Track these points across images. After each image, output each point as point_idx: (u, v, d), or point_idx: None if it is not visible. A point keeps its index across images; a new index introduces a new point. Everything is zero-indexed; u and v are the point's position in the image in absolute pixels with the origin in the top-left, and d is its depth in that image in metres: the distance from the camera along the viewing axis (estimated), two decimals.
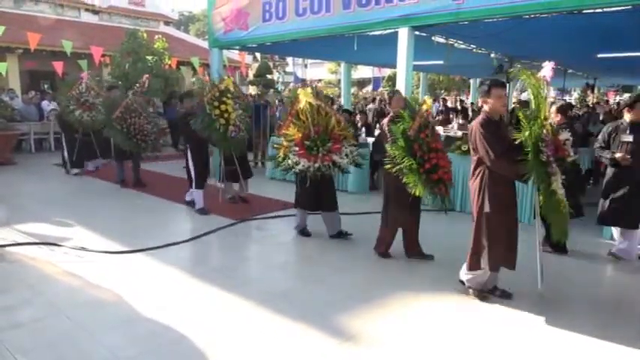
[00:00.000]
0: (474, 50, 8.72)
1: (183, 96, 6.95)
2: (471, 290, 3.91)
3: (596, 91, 18.88)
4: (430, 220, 6.07)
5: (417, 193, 4.13)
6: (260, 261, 5.05)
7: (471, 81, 17.34)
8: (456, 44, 7.97)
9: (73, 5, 18.46)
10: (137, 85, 8.24)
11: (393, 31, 6.58)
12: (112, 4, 19.40)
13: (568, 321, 3.52)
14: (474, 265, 3.76)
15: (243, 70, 20.47)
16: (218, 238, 5.57)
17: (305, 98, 4.97)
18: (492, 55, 9.54)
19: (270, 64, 28.90)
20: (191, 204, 6.68)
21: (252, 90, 20.66)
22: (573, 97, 25.95)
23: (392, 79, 26.17)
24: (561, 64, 12.14)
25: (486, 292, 3.88)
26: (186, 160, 6.56)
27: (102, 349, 3.07)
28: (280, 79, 32.27)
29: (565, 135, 3.80)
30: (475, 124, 3.67)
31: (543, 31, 6.77)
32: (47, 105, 12.47)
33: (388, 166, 4.23)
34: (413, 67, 6.65)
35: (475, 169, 3.71)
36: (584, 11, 5.29)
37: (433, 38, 7.23)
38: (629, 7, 4.99)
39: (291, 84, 27.80)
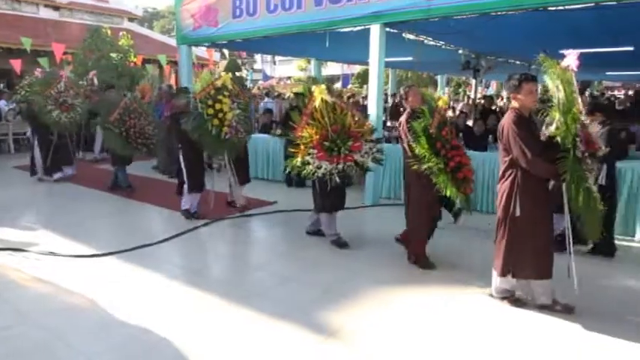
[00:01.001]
0: (443, 47, 8.86)
1: (176, 93, 6.45)
2: (505, 300, 3.70)
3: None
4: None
5: (449, 194, 3.98)
6: (236, 260, 5.00)
7: (438, 77, 17.62)
8: (425, 41, 8.08)
9: (31, 0, 17.73)
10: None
11: (364, 27, 6.62)
12: (73, 0, 18.74)
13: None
14: (504, 271, 3.54)
15: (211, 67, 20.20)
16: (192, 238, 5.47)
17: (320, 95, 4.58)
18: (460, 52, 9.73)
19: (239, 61, 28.61)
20: (195, 214, 6.11)
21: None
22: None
23: (361, 76, 26.39)
24: (526, 59, 12.49)
25: (518, 298, 3.68)
26: (178, 163, 6.15)
27: (79, 356, 2.97)
28: (249, 77, 31.93)
29: (595, 128, 3.53)
30: (507, 123, 3.38)
31: (510, 28, 6.94)
32: (4, 105, 11.93)
33: (415, 166, 4.06)
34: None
35: (506, 170, 3.47)
36: (549, 8, 5.46)
37: (404, 35, 7.30)
38: (592, 4, 5.19)
39: (260, 81, 27.59)
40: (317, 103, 4.60)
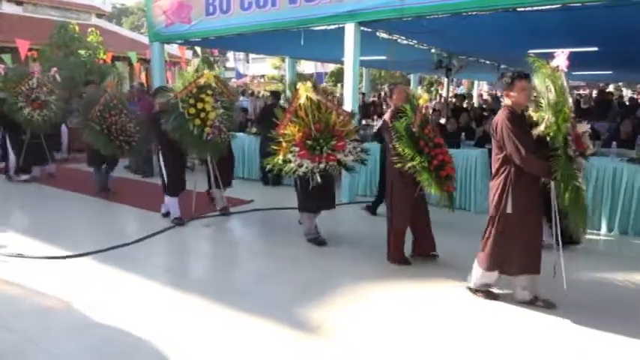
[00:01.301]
0: (416, 46, 8.99)
1: (156, 91, 6.06)
2: (479, 293, 3.75)
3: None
4: (383, 211, 6.24)
5: (433, 192, 4.02)
6: (214, 259, 4.97)
7: (411, 76, 17.86)
8: (399, 40, 8.18)
9: None
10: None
11: (339, 26, 6.65)
12: None
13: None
14: (491, 266, 3.56)
15: (183, 65, 19.88)
16: (167, 238, 5.39)
17: (305, 93, 4.51)
18: (433, 51, 9.88)
19: (211, 59, 28.27)
20: (168, 215, 5.95)
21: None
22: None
23: (335, 75, 26.45)
24: (495, 59, 12.81)
25: (492, 292, 3.73)
26: (159, 165, 5.89)
27: (52, 359, 2.90)
28: (221, 75, 31.58)
29: (584, 127, 3.53)
30: (500, 120, 3.38)
31: (480, 28, 7.09)
32: None
33: (399, 165, 4.08)
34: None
35: (500, 167, 3.46)
36: (518, 9, 5.60)
37: (377, 34, 7.37)
38: (559, 5, 5.36)
39: (233, 80, 27.34)
40: (302, 100, 4.53)
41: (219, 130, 5.45)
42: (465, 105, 13.37)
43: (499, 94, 20.76)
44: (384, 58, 10.05)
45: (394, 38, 8.00)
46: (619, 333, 3.22)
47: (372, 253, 4.76)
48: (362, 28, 6.63)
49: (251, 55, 33.20)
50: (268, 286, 4.06)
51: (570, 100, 3.26)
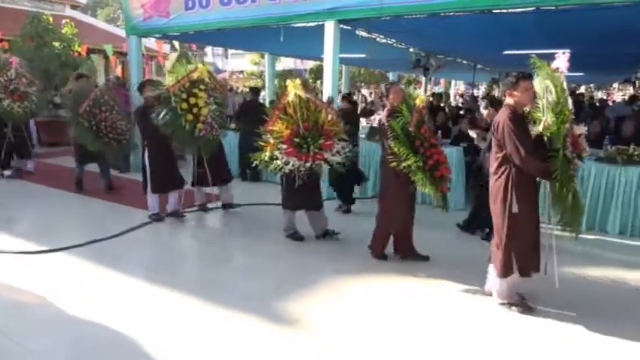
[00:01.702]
0: (395, 45, 9.10)
1: (144, 84, 5.82)
2: (514, 307, 3.59)
3: (501, 85, 20.44)
4: (358, 207, 6.33)
5: (427, 192, 4.06)
6: (190, 254, 4.97)
7: (390, 74, 18.02)
8: (378, 38, 8.27)
9: None
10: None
11: (319, 23, 6.69)
12: None
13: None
14: (508, 271, 3.49)
15: (160, 59, 19.61)
16: (144, 233, 5.36)
17: (294, 90, 4.50)
18: (411, 50, 10.02)
19: (189, 54, 27.94)
20: (175, 214, 5.76)
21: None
22: (480, 91, 27.88)
23: (315, 71, 26.44)
24: (471, 59, 13.05)
25: (527, 303, 3.61)
26: (143, 161, 5.74)
27: (28, 354, 2.88)
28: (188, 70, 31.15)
29: (581, 129, 3.55)
30: (502, 119, 3.37)
31: (458, 29, 7.23)
32: None
33: (394, 164, 4.10)
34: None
35: (499, 166, 3.45)
36: (494, 11, 5.75)
37: (357, 32, 7.44)
38: (533, 8, 5.52)
39: None
40: (290, 97, 4.52)
41: (211, 126, 5.32)
42: (442, 104, 13.57)
43: (476, 93, 21.13)
44: (363, 56, 10.16)
45: (373, 37, 8.09)
46: (601, 330, 3.30)
47: (350, 249, 4.84)
48: (341, 26, 6.69)
49: (230, 51, 32.88)
50: (247, 280, 4.10)
51: (570, 101, 3.30)
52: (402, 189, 4.27)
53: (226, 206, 6.25)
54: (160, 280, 4.01)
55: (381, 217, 4.51)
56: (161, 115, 5.13)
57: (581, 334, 3.28)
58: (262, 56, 21.77)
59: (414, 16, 6.17)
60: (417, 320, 3.45)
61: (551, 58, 3.43)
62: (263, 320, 3.37)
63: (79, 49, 14.07)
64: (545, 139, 3.33)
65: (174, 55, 23.89)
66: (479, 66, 14.37)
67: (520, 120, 3.39)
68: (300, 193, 4.79)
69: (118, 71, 16.51)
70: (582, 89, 28.24)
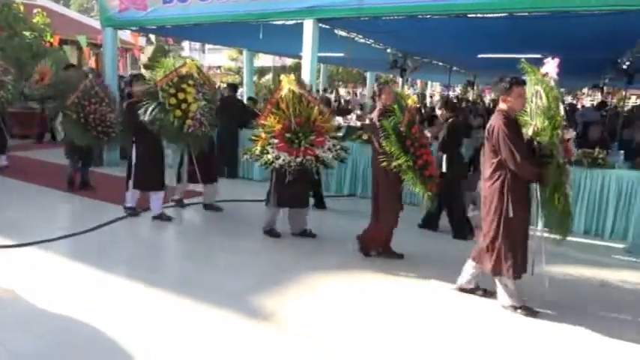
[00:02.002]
0: (373, 45, 9.19)
1: (134, 78, 5.67)
2: (519, 310, 3.60)
3: (475, 87, 20.86)
4: (333, 205, 6.41)
5: (417, 191, 4.11)
6: (166, 250, 4.96)
7: (367, 74, 18.17)
8: (356, 38, 8.35)
9: None
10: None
11: (298, 21, 6.72)
12: None
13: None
14: (500, 270, 3.54)
15: (136, 52, 19.28)
16: (119, 228, 5.31)
17: (288, 85, 4.50)
18: (389, 51, 10.14)
19: (165, 47, 27.53)
20: (162, 217, 5.57)
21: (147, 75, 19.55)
22: (456, 93, 28.36)
23: (293, 69, 26.39)
24: (447, 62, 13.29)
25: (528, 307, 3.63)
26: (129, 156, 5.55)
27: (1, 349, 2.83)
28: (176, 64, 30.76)
29: (570, 134, 3.59)
30: (497, 125, 3.39)
31: (435, 31, 7.38)
32: None
33: (384, 162, 4.15)
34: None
35: (494, 171, 3.47)
36: (469, 15, 5.89)
37: (336, 31, 7.50)
38: (506, 14, 5.68)
39: None
40: (283, 92, 4.51)
41: (200, 122, 5.18)
42: (418, 105, 13.77)
43: (452, 95, 21.47)
44: (341, 55, 10.23)
45: (352, 36, 8.16)
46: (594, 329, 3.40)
47: (326, 247, 4.91)
48: (320, 24, 6.74)
49: (207, 46, 32.56)
50: (222, 275, 4.11)
51: (562, 106, 3.38)
52: (393, 187, 4.34)
53: (208, 207, 6.14)
54: (134, 276, 3.98)
55: (377, 215, 4.51)
56: (148, 111, 4.97)
57: (568, 332, 3.42)
58: (240, 52, 21.62)
59: (392, 17, 6.26)
60: (400, 317, 3.53)
61: (534, 62, 3.56)
62: (237, 315, 3.39)
63: (51, 40, 13.72)
64: (535, 143, 3.41)
65: (150, 49, 23.58)
66: (454, 68, 14.64)
67: (514, 125, 3.43)
68: (289, 190, 4.77)
69: (92, 63, 16.15)
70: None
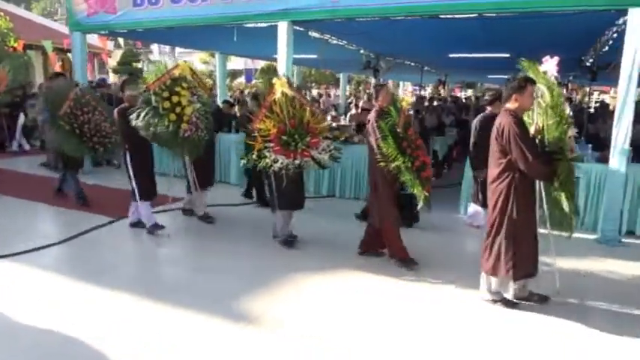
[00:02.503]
0: (346, 46, 9.27)
1: (125, 82, 5.36)
2: (499, 303, 3.68)
3: (446, 86, 21.23)
4: (313, 206, 6.43)
5: (416, 193, 4.11)
6: (148, 257, 4.88)
7: (340, 75, 18.27)
8: (330, 40, 8.41)
9: None
10: None
11: (272, 24, 6.73)
12: None
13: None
14: (499, 270, 3.54)
15: (104, 57, 18.87)
16: (98, 237, 5.20)
17: (281, 88, 4.46)
18: (362, 52, 10.24)
19: (134, 51, 27.02)
20: (139, 225, 5.38)
21: (116, 79, 19.20)
22: (427, 92, 28.82)
23: (265, 71, 26.28)
24: (419, 62, 13.50)
25: (516, 300, 3.69)
26: (126, 166, 5.26)
27: None
28: (145, 69, 30.27)
29: (572, 132, 3.56)
30: (507, 124, 3.34)
31: (407, 32, 7.50)
32: None
33: (382, 163, 4.15)
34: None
35: (503, 172, 3.44)
36: (440, 16, 6.02)
37: (309, 33, 7.54)
38: (476, 15, 5.84)
39: None
40: (277, 95, 4.48)
41: (196, 126, 4.97)
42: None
43: (424, 93, 21.81)
44: (314, 56, 10.28)
45: (325, 38, 8.22)
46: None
47: (309, 246, 4.93)
48: (295, 27, 6.76)
49: (177, 49, 32.10)
50: (207, 280, 4.09)
51: (567, 105, 3.45)
52: (390, 189, 4.36)
53: (203, 218, 5.85)
54: (113, 284, 3.91)
55: (380, 217, 4.44)
56: (141, 116, 4.77)
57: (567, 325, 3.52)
58: (212, 55, 21.42)
59: (366, 19, 6.34)
60: (385, 314, 3.58)
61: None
62: (223, 318, 3.38)
63: (15, 45, 13.31)
64: (537, 142, 3.46)
65: (118, 53, 23.09)
66: (426, 68, 14.88)
67: (523, 124, 3.42)
68: (291, 193, 4.75)
69: (57, 68, 15.73)
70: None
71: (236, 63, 27.43)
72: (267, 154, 4.48)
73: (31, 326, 3.20)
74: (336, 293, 3.90)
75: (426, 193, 4.13)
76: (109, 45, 19.27)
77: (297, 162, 4.48)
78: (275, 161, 4.46)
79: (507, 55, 9.98)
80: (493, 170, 3.52)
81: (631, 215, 5.48)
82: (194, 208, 5.93)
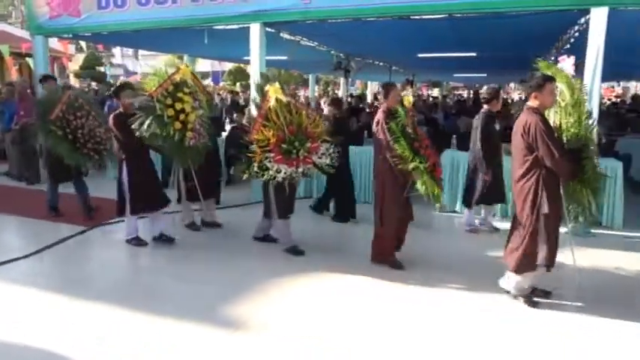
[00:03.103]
0: (317, 47, 9.29)
1: (120, 88, 5.06)
2: (521, 298, 3.72)
3: (414, 85, 21.58)
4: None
5: (434, 193, 4.06)
6: (127, 266, 4.75)
7: (310, 76, 18.30)
8: (301, 41, 8.40)
9: None
10: None
11: (243, 26, 6.67)
12: None
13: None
14: (526, 267, 3.57)
15: (65, 61, 18.26)
16: (70, 248, 5.02)
17: (275, 95, 4.32)
18: (333, 53, 10.28)
19: (96, 54, 26.30)
20: (138, 240, 5.03)
21: (77, 84, 18.62)
22: None
23: (233, 73, 26.11)
24: (388, 62, 13.66)
25: (534, 297, 3.72)
26: (119, 177, 4.92)
27: None
28: (108, 72, 29.52)
29: (597, 129, 3.68)
30: (533, 122, 3.36)
31: (378, 33, 7.57)
32: None
33: (400, 166, 4.07)
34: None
35: (529, 169, 3.45)
36: (412, 17, 6.11)
37: (281, 34, 7.51)
38: (446, 15, 5.95)
39: (122, 77, 25.71)
40: (271, 103, 4.34)
41: (199, 134, 4.79)
42: (360, 105, 14.07)
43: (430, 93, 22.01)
44: (285, 58, 10.26)
45: (297, 39, 8.21)
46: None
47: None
48: (267, 28, 6.71)
49: (140, 52, 31.46)
50: (190, 287, 4.02)
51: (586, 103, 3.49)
52: (399, 191, 4.27)
53: (209, 225, 5.63)
54: (89, 295, 3.79)
55: (380, 222, 4.40)
56: (145, 125, 4.52)
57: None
58: (179, 58, 21.03)
59: (338, 20, 6.36)
60: (368, 314, 3.61)
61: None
62: (210, 325, 3.33)
63: None
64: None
65: (80, 57, 22.41)
66: (394, 68, 15.08)
67: (547, 121, 3.46)
68: (289, 200, 4.72)
69: (14, 74, 15.11)
70: (484, 89, 30.57)
71: (203, 65, 27.10)
72: (269, 164, 4.31)
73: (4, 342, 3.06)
74: (319, 294, 3.90)
75: (439, 192, 4.12)
76: (70, 49, 18.67)
77: (300, 170, 4.35)
78: (278, 171, 4.30)
79: (474, 54, 10.24)
80: (519, 168, 3.52)
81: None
82: (187, 218, 5.62)
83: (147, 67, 31.90)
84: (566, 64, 3.59)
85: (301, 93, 25.45)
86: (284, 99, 4.42)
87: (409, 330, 3.34)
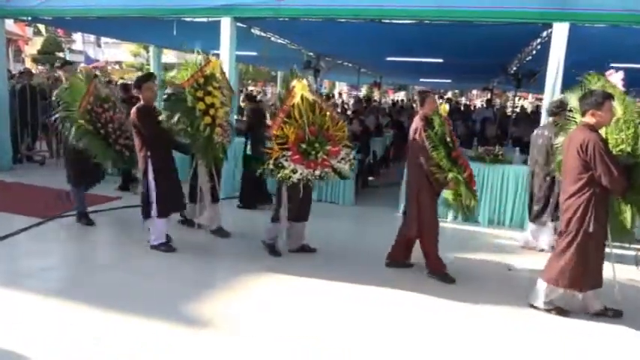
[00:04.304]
0: (288, 45, 9.27)
1: (144, 79, 4.58)
2: (553, 312, 3.71)
3: (380, 88, 21.87)
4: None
5: (472, 204, 4.05)
6: (84, 261, 4.59)
7: (279, 73, 18.23)
8: (272, 38, 8.37)
9: None
10: None
11: (213, 19, 6.58)
12: None
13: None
14: (561, 282, 3.56)
15: (21, 44, 17.50)
16: (25, 240, 4.81)
17: (301, 92, 4.10)
18: (303, 51, 10.29)
19: (56, 39, 25.25)
20: (167, 246, 4.65)
21: (35, 69, 17.83)
22: (362, 93, 29.51)
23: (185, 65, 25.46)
24: (357, 63, 13.81)
25: (567, 309, 3.71)
26: (145, 176, 4.49)
27: None
28: (68, 58, 28.38)
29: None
30: (592, 140, 3.31)
31: (349, 35, 7.64)
32: None
33: (438, 175, 4.01)
34: None
35: (584, 186, 3.40)
36: (383, 20, 6.20)
37: (252, 30, 7.46)
38: (415, 21, 6.08)
39: (82, 64, 24.79)
40: (297, 99, 4.13)
41: (225, 130, 4.58)
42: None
43: (360, 94, 22.30)
44: (255, 54, 10.18)
45: (268, 36, 8.17)
46: None
47: (252, 248, 4.83)
48: (238, 24, 6.65)
49: (103, 39, 30.42)
50: (153, 283, 3.94)
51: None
52: (433, 199, 4.26)
53: (217, 232, 5.16)
54: (50, 290, 3.66)
55: (420, 232, 4.29)
56: (175, 119, 4.30)
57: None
58: (144, 47, 20.47)
59: (309, 19, 6.38)
60: (336, 313, 3.64)
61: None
62: (174, 322, 3.28)
63: None
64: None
65: (39, 40, 21.47)
66: (363, 70, 15.25)
67: (605, 140, 3.43)
68: (297, 203, 4.49)
69: None
70: (449, 94, 31.43)
71: (169, 56, 26.47)
72: (285, 163, 4.11)
73: None
74: (285, 293, 3.91)
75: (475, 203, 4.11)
76: (28, 31, 17.88)
77: (317, 173, 4.19)
78: (294, 171, 4.12)
79: (441, 60, 10.49)
80: (573, 185, 3.48)
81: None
82: (195, 219, 5.22)
83: (109, 55, 30.96)
84: (615, 78, 3.56)
85: (268, 89, 25.39)
86: (310, 97, 4.22)
87: (409, 330, 3.39)
